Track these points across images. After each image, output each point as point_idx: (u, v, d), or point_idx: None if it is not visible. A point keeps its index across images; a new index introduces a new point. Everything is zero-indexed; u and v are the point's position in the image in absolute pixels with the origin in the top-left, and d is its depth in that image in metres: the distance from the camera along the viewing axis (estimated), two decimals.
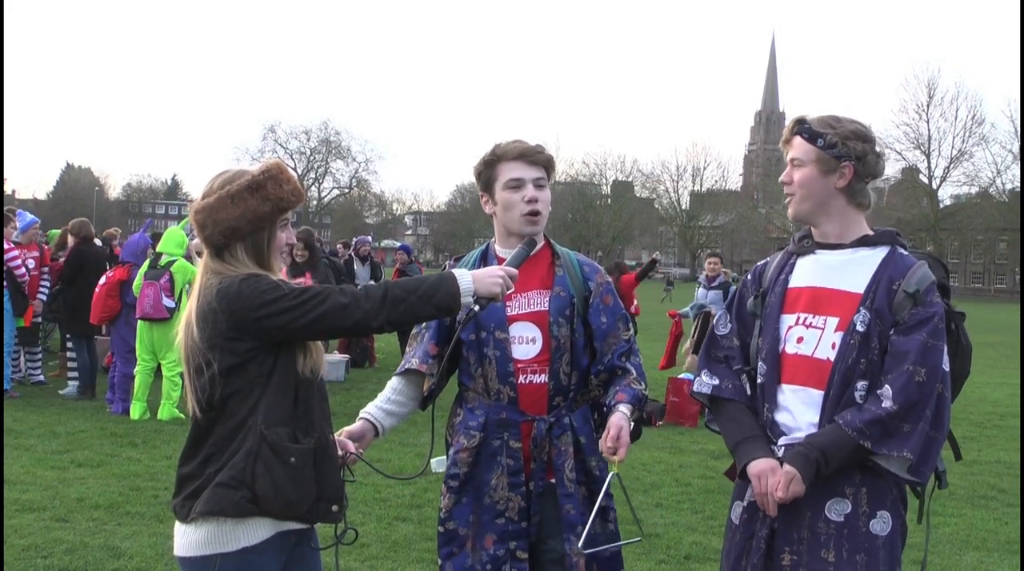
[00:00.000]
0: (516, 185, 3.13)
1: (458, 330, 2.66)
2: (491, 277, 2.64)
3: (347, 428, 3.03)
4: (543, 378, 3.11)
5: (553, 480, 3.12)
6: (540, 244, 3.23)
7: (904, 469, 2.63)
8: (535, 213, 3.14)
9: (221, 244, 2.58)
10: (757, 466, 2.72)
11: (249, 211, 2.55)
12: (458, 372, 3.25)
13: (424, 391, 3.23)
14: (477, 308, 2.63)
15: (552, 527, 3.10)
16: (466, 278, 2.59)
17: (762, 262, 3.07)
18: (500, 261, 3.17)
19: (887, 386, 2.63)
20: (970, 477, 8.08)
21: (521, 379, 3.10)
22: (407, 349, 3.31)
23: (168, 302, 9.17)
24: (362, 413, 3.15)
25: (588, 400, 3.23)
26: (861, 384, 2.68)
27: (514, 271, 2.74)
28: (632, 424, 3.02)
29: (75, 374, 10.57)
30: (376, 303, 2.51)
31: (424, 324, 3.22)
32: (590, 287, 3.22)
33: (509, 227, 3.19)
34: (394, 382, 3.25)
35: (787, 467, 2.66)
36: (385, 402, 3.20)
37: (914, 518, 2.83)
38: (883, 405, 2.61)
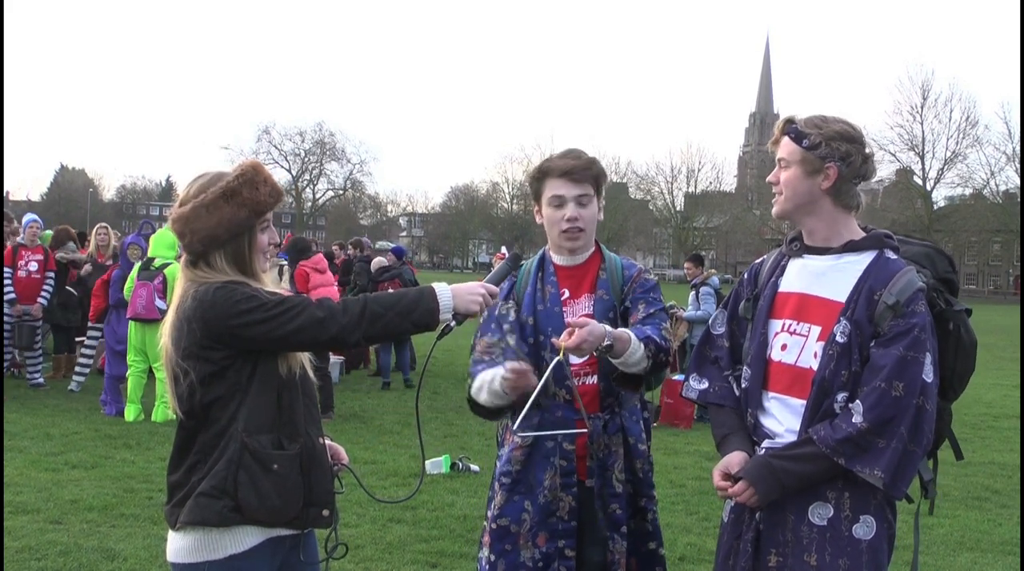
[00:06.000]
0: (558, 203, 3.19)
1: (432, 345, 2.62)
2: (471, 294, 2.60)
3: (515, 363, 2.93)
4: (594, 379, 3.19)
5: (588, 483, 3.15)
6: (591, 250, 3.30)
7: (879, 483, 2.58)
8: (572, 231, 3.19)
9: (200, 252, 2.53)
10: (727, 459, 2.78)
11: (225, 219, 2.49)
12: None
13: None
14: (455, 324, 2.59)
15: (590, 533, 3.15)
16: (446, 295, 2.56)
17: (758, 261, 3.05)
18: (556, 267, 3.28)
19: (858, 401, 2.59)
20: (964, 478, 8.10)
21: (576, 381, 3.17)
22: (478, 346, 3.21)
23: (161, 303, 9.19)
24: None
25: (638, 398, 3.28)
26: (841, 396, 2.64)
27: (494, 288, 2.70)
28: (609, 340, 2.90)
29: (82, 370, 10.92)
30: (354, 318, 2.46)
31: (503, 324, 3.17)
32: (627, 281, 3.27)
33: (552, 241, 3.28)
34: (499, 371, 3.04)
35: (744, 478, 2.69)
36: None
37: (906, 519, 2.81)
38: (853, 421, 2.58)
